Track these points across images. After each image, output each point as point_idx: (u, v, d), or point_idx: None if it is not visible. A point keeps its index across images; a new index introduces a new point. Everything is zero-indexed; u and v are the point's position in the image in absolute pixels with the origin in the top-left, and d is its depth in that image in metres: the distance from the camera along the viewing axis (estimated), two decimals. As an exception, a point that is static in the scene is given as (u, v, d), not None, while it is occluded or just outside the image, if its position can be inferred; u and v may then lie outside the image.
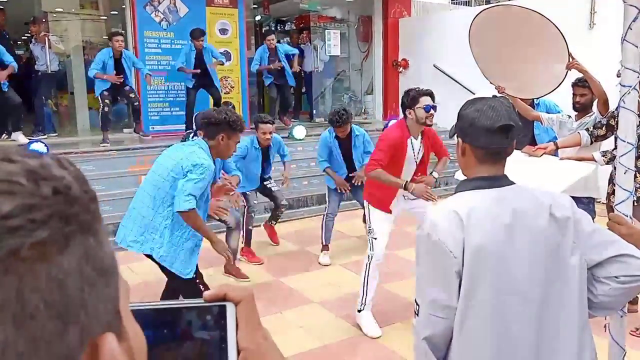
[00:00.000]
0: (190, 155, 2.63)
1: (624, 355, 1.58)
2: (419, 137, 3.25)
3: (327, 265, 4.43)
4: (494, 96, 1.37)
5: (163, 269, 2.80)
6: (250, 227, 4.50)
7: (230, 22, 7.32)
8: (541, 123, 3.95)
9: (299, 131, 6.78)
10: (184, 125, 6.51)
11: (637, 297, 3.38)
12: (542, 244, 1.25)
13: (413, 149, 3.22)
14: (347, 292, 3.87)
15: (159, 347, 0.46)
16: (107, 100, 6.09)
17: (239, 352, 0.47)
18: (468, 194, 1.32)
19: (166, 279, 2.94)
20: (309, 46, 8.30)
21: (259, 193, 4.69)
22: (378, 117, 8.69)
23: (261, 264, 4.47)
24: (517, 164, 3.16)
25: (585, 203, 3.53)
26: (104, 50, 6.19)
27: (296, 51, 7.50)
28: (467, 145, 1.36)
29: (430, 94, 3.16)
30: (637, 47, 1.45)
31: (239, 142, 2.80)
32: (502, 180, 1.34)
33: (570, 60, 3.33)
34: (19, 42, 8.18)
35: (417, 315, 1.30)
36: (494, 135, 1.30)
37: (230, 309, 0.47)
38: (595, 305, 1.29)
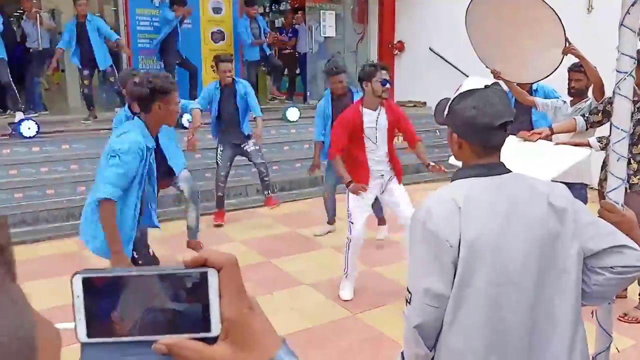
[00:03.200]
0: (118, 138, 2.49)
1: (611, 342, 1.59)
2: (378, 109, 3.35)
3: (322, 235, 4.60)
4: (486, 86, 1.32)
5: None
6: (220, 194, 4.75)
7: (224, 1, 7.17)
8: (536, 108, 3.94)
9: (292, 113, 6.71)
10: None
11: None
12: (538, 233, 1.24)
13: (370, 119, 3.31)
14: (339, 274, 3.87)
15: (134, 315, 0.44)
16: (85, 81, 5.96)
17: (223, 322, 0.44)
18: (465, 182, 1.30)
19: None
20: (303, 27, 8.17)
21: (239, 155, 4.80)
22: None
23: (221, 224, 4.76)
24: (511, 149, 3.17)
25: (578, 189, 3.54)
26: (71, 21, 5.97)
27: (268, 30, 7.46)
28: (464, 141, 1.34)
29: (386, 68, 3.42)
30: (634, 32, 1.42)
31: (178, 101, 2.66)
32: (499, 168, 1.32)
33: (567, 45, 3.30)
34: (11, 19, 7.98)
35: (409, 303, 1.29)
36: (495, 132, 1.29)
37: (212, 276, 0.44)
38: (588, 294, 1.30)
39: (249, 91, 4.68)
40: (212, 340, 0.44)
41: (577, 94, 3.66)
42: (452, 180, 1.35)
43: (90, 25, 5.90)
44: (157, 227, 2.87)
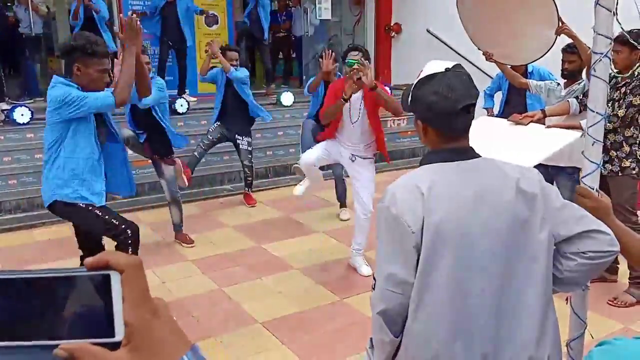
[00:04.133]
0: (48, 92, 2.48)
1: (585, 328, 1.58)
2: (359, 91, 3.45)
3: (346, 220, 4.59)
4: (447, 69, 1.28)
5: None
6: (197, 155, 4.82)
7: (217, -16, 7.06)
8: (529, 90, 3.88)
9: (287, 98, 6.65)
10: None
11: (616, 267, 3.41)
12: (506, 219, 1.22)
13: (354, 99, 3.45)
14: (329, 259, 3.89)
15: (37, 320, 0.43)
16: None
17: (125, 327, 0.43)
18: (431, 167, 1.28)
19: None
20: (298, 9, 8.05)
21: (230, 141, 4.92)
22: (370, 83, 8.53)
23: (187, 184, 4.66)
24: (501, 132, 3.13)
25: (570, 173, 3.51)
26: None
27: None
28: (428, 127, 1.31)
29: (358, 49, 3.52)
30: (610, 12, 1.37)
31: (101, 69, 2.49)
32: (467, 153, 1.29)
33: (560, 25, 3.22)
34: (8, 4, 7.89)
35: (374, 289, 1.28)
36: (457, 117, 1.26)
37: (114, 279, 0.43)
38: (559, 280, 1.28)
39: (244, 78, 4.82)
40: (117, 346, 0.43)
41: (570, 76, 3.59)
42: (419, 165, 1.32)
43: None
44: (131, 193, 2.94)
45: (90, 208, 2.62)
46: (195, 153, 4.83)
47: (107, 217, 2.66)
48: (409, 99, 1.33)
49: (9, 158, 5.13)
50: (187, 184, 4.30)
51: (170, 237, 4.28)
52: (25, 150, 5.19)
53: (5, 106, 5.82)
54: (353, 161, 3.58)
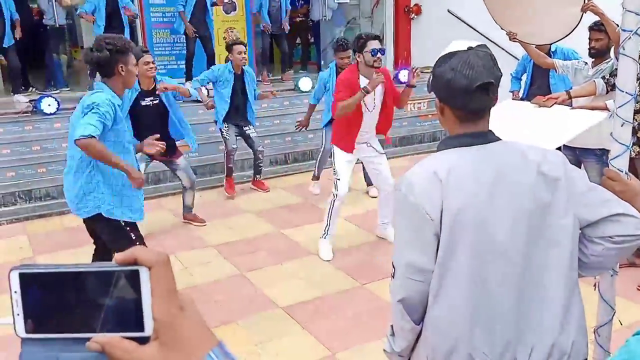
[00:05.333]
0: (88, 97, 2.46)
1: (613, 314, 1.54)
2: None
3: (317, 194, 4.80)
4: (469, 47, 1.25)
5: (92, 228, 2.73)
6: (230, 165, 4.91)
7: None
8: (555, 71, 3.75)
9: (305, 83, 6.61)
10: (184, 78, 6.38)
11: (644, 251, 3.33)
12: (527, 203, 1.19)
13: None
14: (348, 244, 3.90)
15: (71, 314, 0.44)
16: None
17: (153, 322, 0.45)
18: (449, 153, 1.25)
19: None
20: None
21: (239, 135, 4.92)
22: (389, 66, 8.38)
23: (233, 195, 4.96)
24: (524, 115, 3.05)
25: (598, 155, 3.41)
26: None
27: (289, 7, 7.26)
28: (445, 106, 1.28)
29: (378, 38, 3.50)
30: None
31: (136, 64, 2.58)
32: (486, 137, 1.26)
33: (586, 1, 3.10)
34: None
35: (393, 277, 1.28)
36: (473, 95, 1.22)
37: (144, 274, 0.44)
38: (585, 265, 1.25)
39: (254, 79, 4.91)
40: (146, 340, 0.44)
41: (598, 55, 3.46)
42: (437, 151, 1.30)
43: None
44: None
45: (128, 228, 2.63)
46: (230, 164, 4.90)
47: (137, 240, 2.67)
48: (430, 77, 1.31)
49: (38, 147, 5.26)
50: (234, 193, 4.84)
51: (193, 223, 4.36)
52: (54, 139, 5.31)
53: (23, 98, 5.92)
54: (369, 145, 3.66)
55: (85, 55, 2.60)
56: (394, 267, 1.28)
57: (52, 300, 0.44)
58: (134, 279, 0.44)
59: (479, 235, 1.18)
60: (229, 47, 4.69)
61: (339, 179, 3.58)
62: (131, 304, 0.44)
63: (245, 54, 4.68)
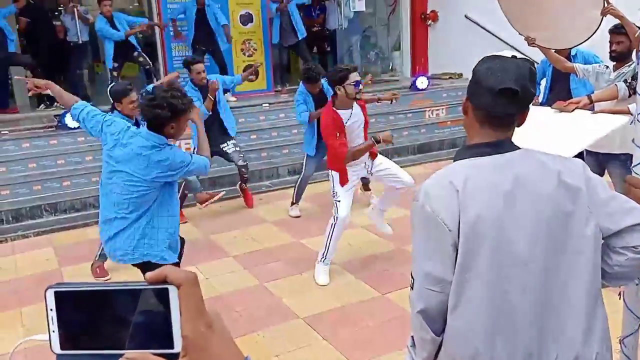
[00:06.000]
0: (162, 151, 2.42)
1: (639, 324, 1.50)
2: (354, 106, 3.43)
3: (297, 217, 4.72)
4: (513, 56, 1.26)
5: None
6: (186, 192, 4.61)
7: (251, -17, 7.12)
8: (576, 75, 3.70)
9: (323, 92, 6.63)
10: None
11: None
12: (547, 212, 1.18)
13: (347, 117, 3.38)
14: (368, 254, 3.89)
15: (103, 331, 0.46)
16: (114, 72, 6.17)
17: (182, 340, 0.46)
18: (466, 162, 1.25)
19: None
20: (332, 2, 8.00)
21: (215, 154, 4.63)
22: (406, 74, 8.38)
23: (185, 222, 4.62)
24: (545, 120, 3.01)
25: (622, 160, 3.34)
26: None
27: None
28: (470, 105, 1.29)
29: (357, 70, 3.46)
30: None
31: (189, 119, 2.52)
32: (505, 146, 1.25)
33: (606, 5, 3.05)
34: (56, 13, 8.33)
35: (412, 288, 1.27)
36: (497, 98, 1.22)
37: (173, 293, 0.46)
38: (609, 275, 1.23)
39: (224, 79, 4.74)
40: (175, 357, 0.46)
41: (619, 58, 3.40)
42: (454, 160, 1.30)
43: (121, 25, 6.13)
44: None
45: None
46: (186, 191, 4.63)
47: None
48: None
49: (63, 161, 5.40)
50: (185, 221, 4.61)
51: (213, 234, 4.41)
52: (78, 152, 5.46)
53: (47, 110, 6.12)
54: (366, 166, 3.57)
55: (143, 106, 2.45)
56: (412, 278, 1.28)
57: (85, 317, 0.46)
58: (163, 297, 0.46)
59: (498, 245, 1.17)
60: (187, 66, 4.48)
61: (339, 201, 3.44)
62: (161, 322, 0.45)
63: (204, 72, 4.45)
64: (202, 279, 3.66)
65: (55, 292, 0.46)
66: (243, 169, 4.77)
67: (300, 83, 4.54)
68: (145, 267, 2.56)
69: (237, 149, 4.75)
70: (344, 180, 3.46)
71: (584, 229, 1.18)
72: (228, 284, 3.57)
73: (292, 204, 4.83)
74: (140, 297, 0.46)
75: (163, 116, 2.37)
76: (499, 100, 1.22)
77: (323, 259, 3.53)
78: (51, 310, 0.46)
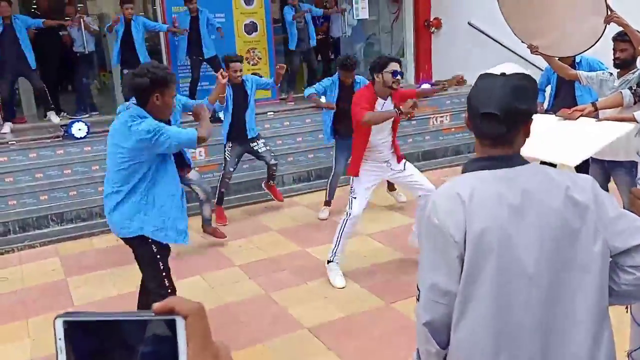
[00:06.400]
0: (143, 122, 2.46)
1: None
2: (389, 99, 3.49)
3: (324, 220, 4.77)
4: (502, 74, 1.25)
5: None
6: (222, 190, 4.84)
7: (255, -7, 7.18)
8: (580, 82, 3.69)
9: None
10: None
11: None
12: (554, 227, 1.18)
13: (381, 107, 3.45)
14: (373, 262, 3.88)
15: (110, 359, 0.47)
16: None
17: None
18: (473, 174, 1.26)
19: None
20: (336, 11, 8.04)
21: (247, 153, 4.93)
22: (410, 80, 8.39)
23: (225, 224, 4.76)
24: (549, 128, 3.00)
25: (628, 167, 3.32)
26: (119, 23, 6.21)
27: (321, 12, 7.44)
28: (468, 122, 1.30)
29: (399, 61, 3.48)
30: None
31: (174, 95, 2.56)
32: (512, 160, 1.25)
33: (609, 13, 3.05)
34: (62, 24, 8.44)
35: (418, 299, 1.28)
36: (481, 120, 1.24)
37: (180, 323, 0.46)
38: (616, 293, 1.22)
39: (258, 80, 4.92)
40: None
41: (623, 65, 3.40)
42: (462, 172, 1.30)
43: (136, 29, 6.14)
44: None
45: (162, 253, 2.65)
46: (222, 189, 4.83)
47: (163, 270, 2.66)
48: None
49: (69, 170, 5.44)
50: (226, 222, 4.69)
51: (219, 243, 4.41)
52: (84, 162, 5.50)
53: (55, 117, 6.18)
54: (389, 166, 3.61)
55: (126, 78, 2.63)
56: (418, 289, 1.28)
57: (92, 346, 0.47)
58: (170, 327, 0.46)
59: (504, 258, 1.17)
60: (226, 63, 4.60)
61: (355, 197, 3.50)
62: (168, 352, 0.46)
63: (240, 71, 4.61)
64: (207, 288, 3.66)
65: (64, 322, 0.47)
66: (273, 167, 4.97)
67: (336, 72, 4.73)
68: (139, 243, 2.62)
69: (268, 147, 4.94)
70: (354, 168, 3.50)
71: (591, 246, 1.18)
72: (233, 293, 3.57)
73: (325, 204, 4.92)
74: (148, 327, 0.46)
75: (143, 84, 2.43)
76: (483, 122, 1.23)
77: (332, 256, 3.58)
78: (60, 339, 0.46)
